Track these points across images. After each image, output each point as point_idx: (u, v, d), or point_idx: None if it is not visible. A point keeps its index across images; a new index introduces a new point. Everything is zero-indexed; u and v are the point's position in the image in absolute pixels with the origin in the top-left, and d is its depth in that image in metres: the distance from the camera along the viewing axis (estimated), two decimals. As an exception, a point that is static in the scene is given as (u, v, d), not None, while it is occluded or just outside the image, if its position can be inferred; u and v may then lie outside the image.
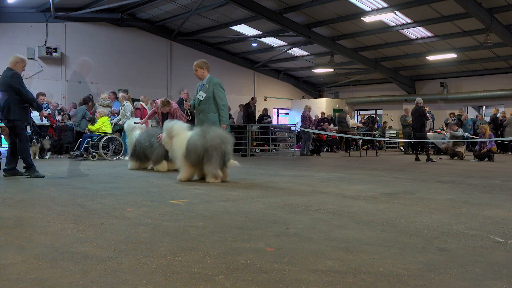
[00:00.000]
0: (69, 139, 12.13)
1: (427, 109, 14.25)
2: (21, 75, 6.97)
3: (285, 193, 5.50)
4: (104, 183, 6.32)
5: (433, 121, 18.46)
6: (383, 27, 17.03)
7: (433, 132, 16.90)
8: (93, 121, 11.28)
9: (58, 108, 14.63)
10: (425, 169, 9.69)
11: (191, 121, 10.01)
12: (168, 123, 6.78)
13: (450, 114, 18.61)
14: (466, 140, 14.62)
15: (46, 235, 3.19)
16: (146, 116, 9.55)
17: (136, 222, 3.67)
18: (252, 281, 2.30)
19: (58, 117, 13.96)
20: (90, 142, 10.80)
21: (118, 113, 11.47)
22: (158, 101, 9.00)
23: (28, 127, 10.05)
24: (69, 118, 13.28)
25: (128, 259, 2.64)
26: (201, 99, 6.69)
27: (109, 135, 10.96)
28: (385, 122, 21.21)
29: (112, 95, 12.53)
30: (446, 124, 17.71)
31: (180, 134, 6.53)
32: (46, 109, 11.79)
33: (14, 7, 15.90)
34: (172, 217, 3.85)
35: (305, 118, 14.87)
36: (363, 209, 4.41)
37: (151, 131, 8.34)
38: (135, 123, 9.18)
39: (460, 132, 14.39)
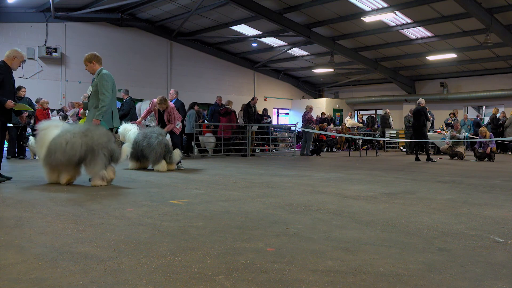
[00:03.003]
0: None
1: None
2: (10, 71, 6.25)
3: (285, 193, 5.50)
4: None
5: (433, 121, 18.46)
6: (383, 27, 17.03)
7: (432, 132, 16.89)
8: None
9: (60, 109, 14.68)
10: (425, 169, 9.69)
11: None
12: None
13: (451, 114, 18.61)
14: (466, 140, 14.62)
15: (46, 235, 3.19)
16: (141, 116, 9.45)
17: (136, 222, 3.67)
18: (252, 281, 2.31)
19: (57, 117, 13.96)
20: None
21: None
22: (155, 100, 8.89)
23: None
24: (66, 118, 13.26)
25: (128, 259, 2.64)
26: (89, 93, 6.33)
27: None
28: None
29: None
30: (446, 125, 17.69)
31: (44, 130, 5.93)
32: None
33: (14, 7, 15.90)
34: (172, 217, 3.85)
35: (306, 118, 14.85)
36: (363, 209, 4.41)
37: (148, 131, 8.29)
38: (131, 122, 9.07)
39: (463, 134, 14.38)
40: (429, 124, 15.13)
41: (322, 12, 16.35)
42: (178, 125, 8.89)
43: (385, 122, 19.31)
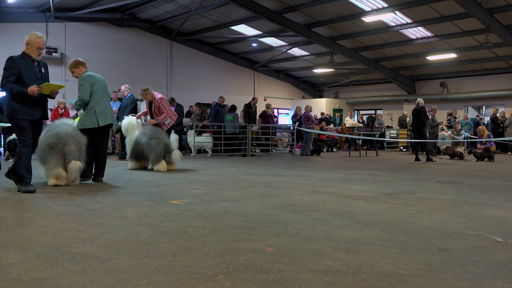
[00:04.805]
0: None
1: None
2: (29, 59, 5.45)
3: (285, 193, 5.50)
4: (104, 183, 6.32)
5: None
6: (383, 27, 17.03)
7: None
8: None
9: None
10: (425, 169, 9.69)
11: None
12: None
13: (448, 114, 18.61)
14: (466, 140, 14.62)
15: (46, 235, 3.19)
16: (140, 113, 9.38)
17: (136, 222, 3.67)
18: (252, 281, 2.31)
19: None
20: None
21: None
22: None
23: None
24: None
25: (128, 259, 2.64)
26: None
27: None
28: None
29: (114, 94, 12.73)
30: (448, 127, 17.70)
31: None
32: None
33: (14, 7, 15.90)
34: (172, 217, 3.85)
35: (306, 118, 14.85)
36: (363, 209, 4.41)
37: (149, 131, 8.27)
38: (131, 115, 9.01)
39: (462, 135, 14.40)
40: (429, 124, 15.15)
41: (322, 12, 16.35)
42: (167, 121, 8.62)
43: (403, 124, 19.74)
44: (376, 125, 19.85)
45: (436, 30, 16.82)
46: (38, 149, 5.82)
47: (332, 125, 20.20)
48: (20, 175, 5.35)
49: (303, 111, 15.23)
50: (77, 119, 7.12)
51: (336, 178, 7.42)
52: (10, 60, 5.39)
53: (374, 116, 22.86)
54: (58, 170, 5.74)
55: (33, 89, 5.26)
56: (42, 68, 5.59)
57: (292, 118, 16.50)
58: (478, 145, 13.27)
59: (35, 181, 6.24)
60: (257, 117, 16.09)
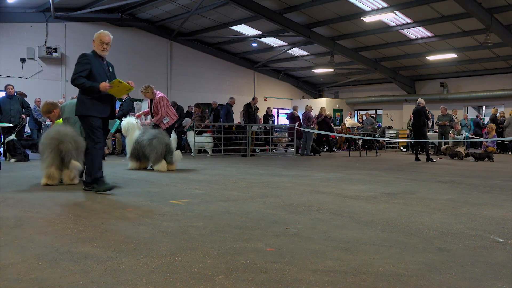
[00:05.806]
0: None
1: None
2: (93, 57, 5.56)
3: (285, 193, 5.50)
4: (104, 183, 6.31)
5: (433, 121, 18.50)
6: (383, 27, 17.03)
7: (432, 132, 16.91)
8: None
9: None
10: (425, 169, 9.69)
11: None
12: None
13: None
14: (466, 140, 14.62)
15: (46, 235, 3.19)
16: (141, 112, 9.37)
17: (136, 222, 3.67)
18: (252, 281, 2.31)
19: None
20: None
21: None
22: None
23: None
24: None
25: (128, 259, 2.64)
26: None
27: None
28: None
29: None
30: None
31: None
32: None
33: (14, 7, 15.90)
34: (172, 217, 3.85)
35: (306, 118, 14.86)
36: (363, 209, 4.41)
37: (150, 131, 8.26)
38: (130, 114, 8.99)
39: (462, 135, 14.40)
40: (429, 123, 15.17)
41: (322, 12, 16.35)
42: (166, 120, 8.57)
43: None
44: (362, 124, 19.79)
45: (436, 30, 16.83)
46: (40, 144, 5.95)
47: (331, 125, 20.16)
48: (95, 178, 5.23)
49: (327, 112, 15.44)
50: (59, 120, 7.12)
51: (336, 178, 7.42)
52: (83, 56, 5.45)
53: (374, 116, 22.86)
54: (50, 170, 5.78)
55: (105, 84, 5.24)
56: (110, 68, 5.68)
57: (316, 119, 16.64)
58: (484, 143, 13.23)
59: (33, 181, 6.24)
60: (259, 117, 16.11)
